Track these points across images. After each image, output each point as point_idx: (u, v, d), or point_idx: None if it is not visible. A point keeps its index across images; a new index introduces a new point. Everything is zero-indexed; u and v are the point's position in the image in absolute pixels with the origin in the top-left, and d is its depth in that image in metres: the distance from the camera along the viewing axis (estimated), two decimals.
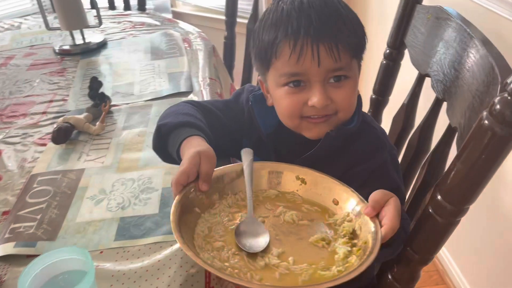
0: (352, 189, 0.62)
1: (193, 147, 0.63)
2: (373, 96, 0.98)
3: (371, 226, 0.56)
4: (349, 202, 0.62)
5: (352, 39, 0.64)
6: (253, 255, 0.56)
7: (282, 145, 0.74)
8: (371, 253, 0.52)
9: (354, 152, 0.69)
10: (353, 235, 0.58)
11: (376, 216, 0.57)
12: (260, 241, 0.58)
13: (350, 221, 0.60)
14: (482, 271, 1.34)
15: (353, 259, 0.54)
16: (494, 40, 0.65)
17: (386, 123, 0.96)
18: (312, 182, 0.66)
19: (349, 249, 0.56)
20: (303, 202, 0.65)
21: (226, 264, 0.54)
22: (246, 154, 0.68)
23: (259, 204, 0.65)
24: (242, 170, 0.67)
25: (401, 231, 0.59)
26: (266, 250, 0.56)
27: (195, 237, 0.59)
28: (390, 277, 0.70)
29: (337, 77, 0.65)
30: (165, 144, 0.71)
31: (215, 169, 0.64)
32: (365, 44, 0.68)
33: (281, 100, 0.68)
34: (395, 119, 0.91)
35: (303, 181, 0.66)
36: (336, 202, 0.63)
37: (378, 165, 0.68)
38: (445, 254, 1.53)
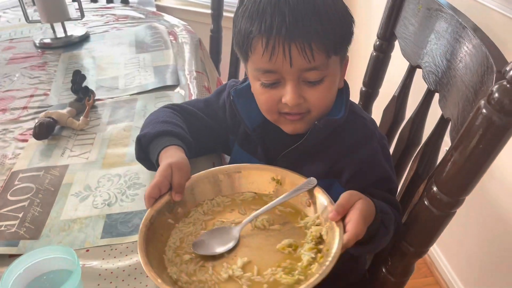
0: (324, 190, 0.60)
1: (166, 158, 0.64)
2: (363, 89, 0.97)
3: (336, 231, 0.54)
4: (320, 204, 0.59)
5: (328, 38, 0.61)
6: (218, 268, 0.55)
7: (270, 138, 0.73)
8: (331, 262, 0.50)
9: (343, 142, 0.68)
10: (320, 239, 0.56)
11: (342, 220, 0.55)
12: (226, 247, 0.57)
13: (319, 224, 0.58)
14: (469, 262, 1.35)
15: (315, 267, 0.52)
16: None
17: (376, 116, 0.95)
18: (287, 183, 0.64)
19: (313, 256, 0.54)
20: (280, 204, 0.62)
21: (194, 278, 0.54)
22: (306, 184, 0.62)
23: (234, 209, 0.64)
24: (217, 175, 0.66)
25: (379, 227, 0.59)
26: (231, 262, 0.55)
27: (166, 249, 0.58)
28: (384, 270, 0.69)
29: (312, 77, 0.62)
30: (147, 154, 0.70)
31: (192, 176, 0.65)
32: (350, 39, 0.66)
33: (259, 94, 0.67)
34: (386, 112, 0.90)
35: (278, 182, 0.65)
36: (308, 204, 0.61)
37: (367, 155, 0.67)
38: (433, 247, 1.54)
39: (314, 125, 0.66)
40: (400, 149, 0.83)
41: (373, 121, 0.73)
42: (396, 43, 0.90)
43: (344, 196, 0.56)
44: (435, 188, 0.54)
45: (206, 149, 0.79)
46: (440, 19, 0.74)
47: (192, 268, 0.55)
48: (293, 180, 0.63)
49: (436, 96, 0.74)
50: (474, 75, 0.60)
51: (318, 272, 0.50)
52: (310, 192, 0.61)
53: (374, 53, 0.93)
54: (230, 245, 0.57)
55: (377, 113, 0.96)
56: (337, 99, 0.69)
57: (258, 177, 0.66)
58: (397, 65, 0.94)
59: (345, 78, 0.71)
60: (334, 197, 0.58)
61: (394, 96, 0.88)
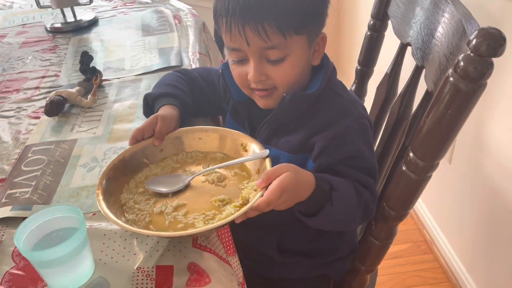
0: (271, 162, 0.65)
1: (158, 112, 0.75)
2: (358, 67, 1.00)
3: (257, 196, 0.59)
4: (264, 173, 0.64)
5: (283, 19, 0.62)
6: (158, 203, 0.65)
7: (254, 111, 0.77)
8: (226, 218, 0.59)
9: (318, 119, 0.70)
10: (247, 201, 0.62)
11: (267, 188, 0.59)
12: (171, 188, 0.67)
13: (256, 190, 0.63)
14: (468, 240, 1.38)
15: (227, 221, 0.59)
16: (477, 14, 0.67)
17: (371, 94, 0.99)
18: (251, 151, 0.70)
19: (233, 212, 0.60)
20: (238, 167, 0.70)
21: (136, 206, 0.65)
22: (260, 154, 0.68)
23: (201, 164, 0.73)
24: (199, 132, 0.75)
25: (324, 202, 0.62)
26: (169, 201, 0.65)
27: (131, 181, 0.70)
28: (370, 236, 0.73)
29: (272, 55, 0.65)
30: (152, 111, 0.78)
31: (179, 128, 0.75)
32: (317, 19, 0.66)
33: (232, 70, 0.71)
34: (379, 89, 0.94)
35: (244, 148, 0.72)
36: (257, 171, 0.67)
37: (339, 133, 0.68)
38: (433, 225, 1.57)
39: (283, 98, 0.69)
40: (391, 124, 0.87)
41: (354, 101, 0.74)
42: (390, 23, 0.93)
43: (273, 168, 0.61)
44: (411, 154, 0.58)
45: (204, 111, 0.86)
46: None
47: (140, 198, 0.66)
48: (255, 149, 0.70)
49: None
50: (454, 47, 0.64)
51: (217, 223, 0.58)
52: (262, 161, 0.66)
53: (368, 33, 0.96)
54: (175, 188, 0.66)
55: (372, 91, 1.00)
56: (317, 75, 0.71)
57: (231, 142, 0.73)
58: (391, 44, 0.97)
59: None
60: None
61: (386, 73, 0.91)
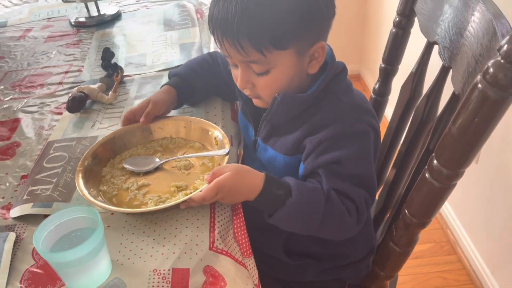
0: (227, 160, 0.70)
1: (155, 94, 0.83)
2: (382, 65, 0.98)
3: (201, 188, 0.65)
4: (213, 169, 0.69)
5: (258, 37, 0.62)
6: (129, 180, 0.73)
7: (261, 109, 0.77)
8: (163, 205, 0.65)
9: (313, 121, 0.69)
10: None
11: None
12: (140, 168, 0.74)
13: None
14: (493, 242, 1.34)
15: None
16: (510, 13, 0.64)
17: (395, 92, 0.96)
18: (220, 146, 0.75)
19: (183, 199, 0.65)
20: (208, 158, 0.75)
21: (112, 180, 0.73)
22: (222, 151, 0.73)
23: (180, 150, 0.79)
24: (184, 122, 0.82)
25: (277, 205, 0.65)
26: (138, 180, 0.72)
27: (117, 157, 0.78)
28: (390, 242, 0.72)
29: (255, 68, 0.66)
30: None
31: (172, 116, 0.83)
32: (300, 32, 0.64)
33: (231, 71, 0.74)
34: (403, 88, 0.91)
35: (216, 143, 0.77)
36: (218, 165, 0.72)
37: (329, 137, 0.67)
38: (457, 225, 1.53)
39: (274, 98, 0.69)
40: (415, 124, 0.84)
41: (356, 105, 0.71)
42: (416, 20, 0.90)
43: (221, 166, 0.67)
44: (435, 161, 0.56)
45: (223, 96, 0.91)
46: None
47: (117, 173, 0.75)
48: (223, 145, 0.74)
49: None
50: (484, 50, 0.61)
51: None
52: (223, 157, 0.72)
53: (394, 30, 0.93)
54: (145, 169, 0.74)
55: (396, 89, 0.97)
56: (316, 78, 0.70)
57: (209, 135, 0.79)
58: (417, 42, 0.93)
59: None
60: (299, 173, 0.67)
61: (411, 72, 0.88)
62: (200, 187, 0.66)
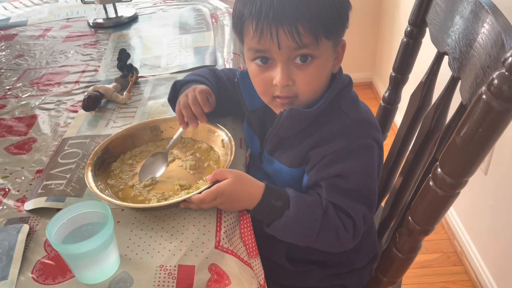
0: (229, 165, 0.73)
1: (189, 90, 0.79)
2: (393, 74, 0.99)
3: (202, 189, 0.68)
4: (214, 171, 0.71)
5: (316, 22, 0.62)
6: (135, 177, 0.75)
7: (268, 119, 0.78)
8: (164, 202, 0.68)
9: (318, 135, 0.70)
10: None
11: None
12: (156, 173, 0.76)
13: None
14: (500, 254, 1.33)
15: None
16: None
17: (405, 101, 0.97)
18: (228, 149, 0.77)
19: (182, 198, 0.67)
20: (214, 160, 0.79)
21: (121, 174, 0.77)
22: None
23: (185, 151, 0.81)
24: (213, 128, 0.83)
25: (274, 216, 0.66)
26: (143, 178, 0.75)
27: (128, 152, 0.82)
28: (394, 248, 0.72)
29: (303, 56, 0.64)
30: (177, 97, 0.81)
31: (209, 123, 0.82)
32: (343, 23, 0.66)
33: (254, 77, 0.70)
34: (412, 97, 0.92)
35: (223, 145, 0.79)
36: (223, 167, 0.74)
37: (333, 151, 0.68)
38: (465, 236, 1.53)
39: (281, 113, 0.69)
40: (423, 134, 0.85)
41: (362, 120, 0.71)
42: (427, 30, 0.91)
43: (225, 169, 0.69)
44: (439, 170, 0.57)
45: (227, 111, 0.89)
46: (468, 5, 0.74)
47: (126, 169, 0.78)
48: (229, 147, 0.77)
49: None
50: (492, 61, 0.61)
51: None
52: (227, 159, 0.75)
53: (405, 39, 0.94)
54: (150, 178, 0.75)
55: (406, 98, 0.98)
56: (327, 91, 0.70)
57: (217, 138, 0.81)
58: (427, 52, 0.94)
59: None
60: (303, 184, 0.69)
61: (421, 82, 0.89)
62: (202, 188, 0.68)
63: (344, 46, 0.70)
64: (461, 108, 0.72)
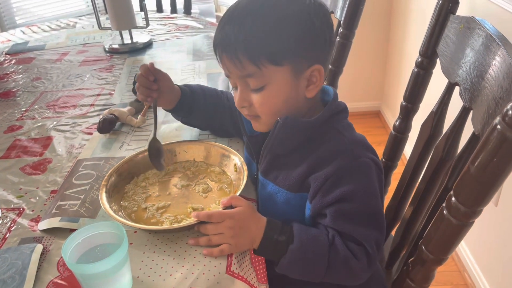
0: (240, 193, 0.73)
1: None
2: (403, 103, 1.00)
3: None
4: (231, 195, 0.73)
5: (255, 50, 0.66)
6: (149, 200, 0.77)
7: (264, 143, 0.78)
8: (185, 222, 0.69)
9: (316, 156, 0.70)
10: None
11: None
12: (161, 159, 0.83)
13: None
14: (501, 270, 1.31)
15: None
16: None
17: (416, 130, 0.98)
18: (240, 173, 0.78)
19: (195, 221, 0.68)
20: (227, 183, 0.79)
21: (134, 196, 0.77)
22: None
23: (200, 174, 0.83)
24: (210, 148, 0.86)
25: (279, 253, 0.66)
26: (156, 200, 0.76)
27: (141, 175, 0.83)
28: (407, 278, 0.72)
29: (251, 83, 0.69)
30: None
31: (196, 140, 0.90)
32: (297, 51, 0.67)
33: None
34: (423, 127, 0.93)
35: (236, 169, 0.81)
36: (235, 192, 0.74)
37: (333, 172, 0.67)
38: (475, 269, 1.50)
39: (276, 122, 0.71)
40: (434, 163, 0.85)
41: (357, 141, 0.72)
42: (438, 61, 0.92)
43: (236, 196, 0.69)
44: (453, 199, 0.57)
45: (226, 132, 0.93)
46: (479, 38, 0.76)
47: (139, 191, 0.79)
48: (241, 171, 0.78)
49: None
50: (505, 93, 0.63)
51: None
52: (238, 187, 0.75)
53: (416, 70, 0.96)
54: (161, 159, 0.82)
55: (416, 127, 0.99)
56: (318, 108, 0.73)
57: (230, 161, 0.82)
58: (438, 81, 0.96)
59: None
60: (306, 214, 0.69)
61: (432, 111, 0.90)
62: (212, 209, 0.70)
63: (321, 71, 0.70)
64: (474, 138, 0.73)
